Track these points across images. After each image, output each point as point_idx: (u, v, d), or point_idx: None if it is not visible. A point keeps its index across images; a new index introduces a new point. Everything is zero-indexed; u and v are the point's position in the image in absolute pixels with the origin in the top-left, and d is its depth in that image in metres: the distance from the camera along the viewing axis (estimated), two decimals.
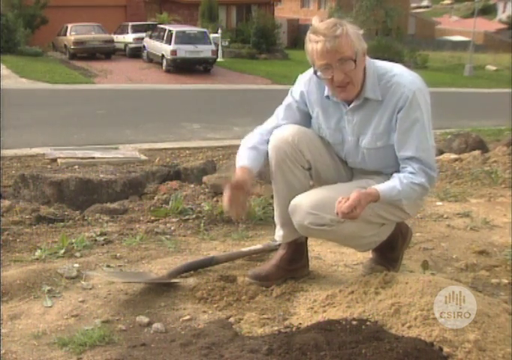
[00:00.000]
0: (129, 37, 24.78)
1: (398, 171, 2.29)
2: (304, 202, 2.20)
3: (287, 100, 2.38)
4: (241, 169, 2.26)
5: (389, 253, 2.48)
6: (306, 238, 2.52)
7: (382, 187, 2.15)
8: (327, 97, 2.27)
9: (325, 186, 2.32)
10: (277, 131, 2.31)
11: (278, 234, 2.47)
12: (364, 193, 2.11)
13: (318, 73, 2.15)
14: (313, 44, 2.10)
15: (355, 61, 2.09)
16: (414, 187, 2.17)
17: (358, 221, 2.17)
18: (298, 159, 2.28)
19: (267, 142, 2.33)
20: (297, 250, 2.48)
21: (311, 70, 2.27)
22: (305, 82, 2.33)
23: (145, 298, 2.35)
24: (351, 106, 2.23)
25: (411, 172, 2.18)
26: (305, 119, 2.37)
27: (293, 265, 2.49)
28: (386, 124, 2.20)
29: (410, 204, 2.26)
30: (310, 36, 2.11)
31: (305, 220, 2.18)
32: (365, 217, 2.22)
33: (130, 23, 25.87)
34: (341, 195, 2.15)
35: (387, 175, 2.30)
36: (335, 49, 2.06)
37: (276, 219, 2.45)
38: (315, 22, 2.13)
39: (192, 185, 4.77)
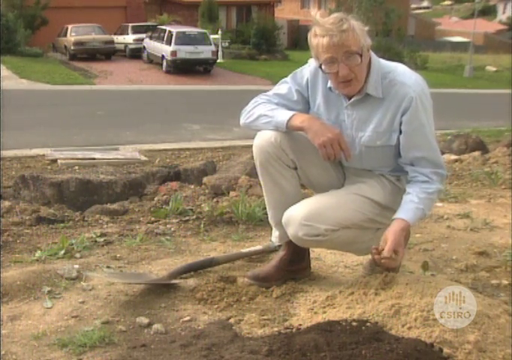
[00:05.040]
0: (129, 38, 24.79)
1: (392, 171, 2.29)
2: (296, 213, 2.19)
3: (289, 79, 2.35)
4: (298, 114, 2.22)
5: None
6: None
7: (407, 214, 2.14)
8: (330, 88, 2.26)
9: (316, 195, 2.32)
10: (260, 133, 2.30)
11: (274, 235, 2.47)
12: (398, 231, 2.11)
13: (323, 67, 2.14)
14: (319, 38, 2.09)
15: (361, 55, 2.09)
16: (431, 196, 2.19)
17: (352, 228, 2.19)
18: (282, 158, 2.27)
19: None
20: (297, 251, 2.47)
21: None
22: (311, 71, 2.30)
23: (145, 299, 2.35)
24: (352, 100, 2.23)
25: (424, 181, 2.19)
26: (302, 103, 2.34)
27: (294, 266, 2.49)
28: (388, 123, 2.20)
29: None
30: (316, 30, 2.10)
31: (299, 232, 2.18)
32: (359, 224, 2.24)
33: (130, 24, 25.89)
34: (334, 203, 2.18)
35: (378, 177, 2.31)
36: (342, 43, 2.06)
37: (270, 220, 2.45)
38: (319, 17, 2.11)
39: (192, 186, 4.77)
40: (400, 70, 2.22)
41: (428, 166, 2.20)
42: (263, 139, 2.27)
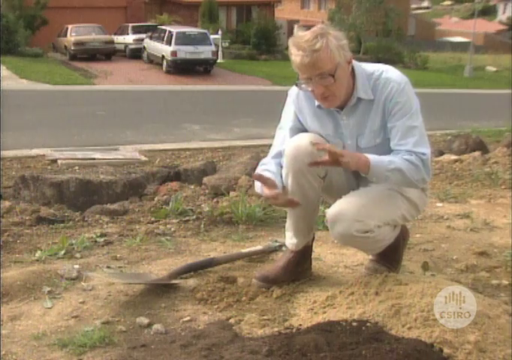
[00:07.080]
0: (129, 38, 24.81)
1: None
2: (347, 210, 2.16)
3: (282, 123, 2.38)
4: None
5: (392, 254, 2.47)
6: (312, 241, 2.53)
7: (372, 156, 2.13)
8: (318, 106, 2.28)
9: (355, 192, 2.26)
10: (294, 141, 2.26)
11: (291, 242, 2.47)
12: (354, 153, 2.13)
13: (302, 85, 2.18)
14: (293, 56, 2.12)
15: (333, 76, 2.10)
16: (407, 162, 2.13)
17: (389, 225, 2.23)
18: (317, 168, 2.25)
19: (277, 164, 2.31)
20: (305, 253, 2.50)
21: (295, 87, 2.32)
22: (293, 100, 2.34)
23: (145, 299, 2.35)
24: (344, 109, 2.25)
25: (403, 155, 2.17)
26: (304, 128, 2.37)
27: (300, 268, 2.51)
28: (381, 119, 2.23)
29: (414, 194, 2.27)
30: (291, 48, 2.13)
31: (351, 229, 2.15)
32: (395, 220, 2.27)
33: (130, 24, 25.92)
34: (377, 199, 2.19)
35: None
36: (313, 64, 2.07)
37: (289, 227, 2.45)
38: (298, 31, 2.16)
39: (192, 186, 4.78)
40: (383, 68, 2.26)
41: (407, 151, 2.15)
42: (299, 148, 2.23)
